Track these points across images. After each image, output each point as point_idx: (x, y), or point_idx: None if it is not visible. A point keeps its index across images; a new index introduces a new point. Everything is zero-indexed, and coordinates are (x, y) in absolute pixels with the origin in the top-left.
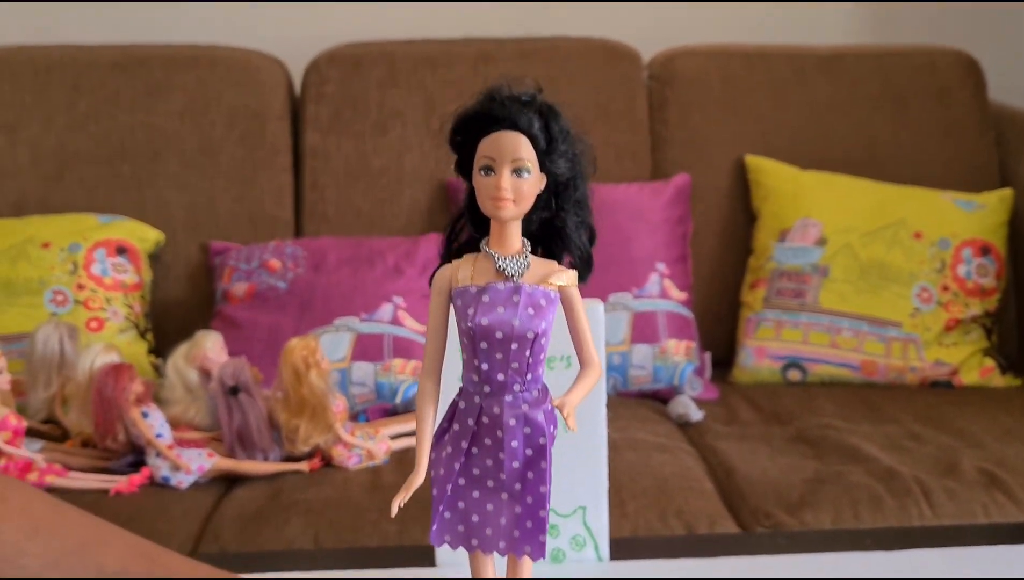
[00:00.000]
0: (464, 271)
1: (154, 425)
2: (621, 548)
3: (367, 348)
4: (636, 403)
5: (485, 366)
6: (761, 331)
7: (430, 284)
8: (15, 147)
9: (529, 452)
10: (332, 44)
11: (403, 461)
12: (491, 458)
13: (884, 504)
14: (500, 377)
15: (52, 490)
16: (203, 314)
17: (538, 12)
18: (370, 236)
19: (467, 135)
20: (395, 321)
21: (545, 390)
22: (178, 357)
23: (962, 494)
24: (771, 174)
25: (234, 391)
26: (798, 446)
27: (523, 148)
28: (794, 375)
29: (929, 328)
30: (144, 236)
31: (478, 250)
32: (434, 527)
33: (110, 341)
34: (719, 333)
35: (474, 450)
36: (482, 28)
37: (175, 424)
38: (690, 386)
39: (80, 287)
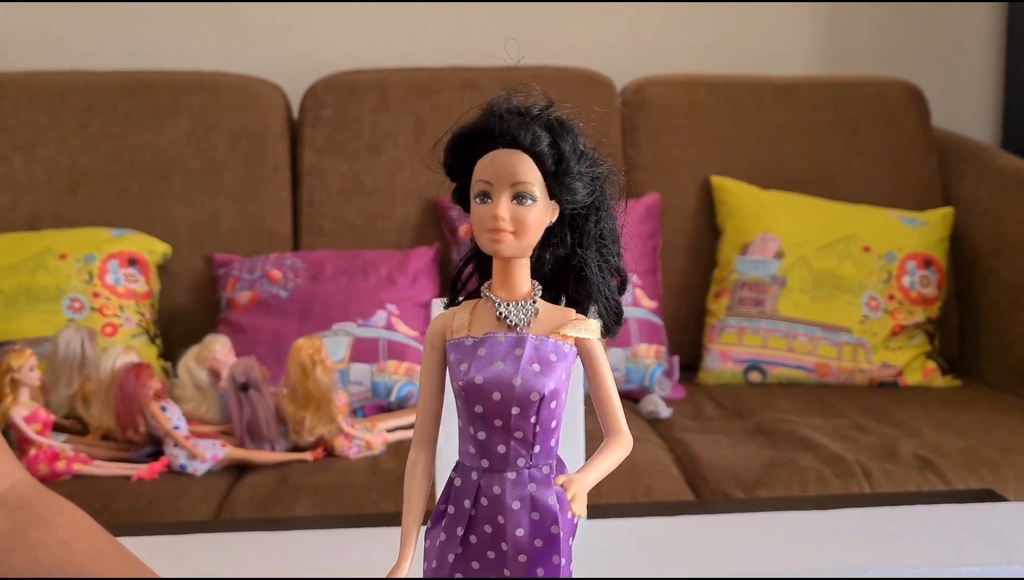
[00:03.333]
0: (460, 320)
1: (172, 418)
2: (595, 511)
3: (363, 351)
4: None
5: (482, 435)
6: (725, 337)
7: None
8: (31, 165)
9: (539, 543)
10: (328, 71)
11: (399, 451)
12: (493, 549)
13: (830, 483)
14: (501, 449)
15: (79, 477)
16: (207, 321)
17: (521, 43)
18: (363, 249)
19: (463, 156)
20: (389, 326)
21: (560, 465)
22: (189, 358)
23: (899, 475)
24: (734, 193)
25: (244, 388)
26: (756, 437)
27: (525, 169)
28: (755, 377)
29: (877, 333)
30: (153, 249)
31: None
32: None
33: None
34: (686, 339)
35: (472, 539)
36: (469, 57)
37: (187, 420)
38: (659, 386)
39: (95, 295)
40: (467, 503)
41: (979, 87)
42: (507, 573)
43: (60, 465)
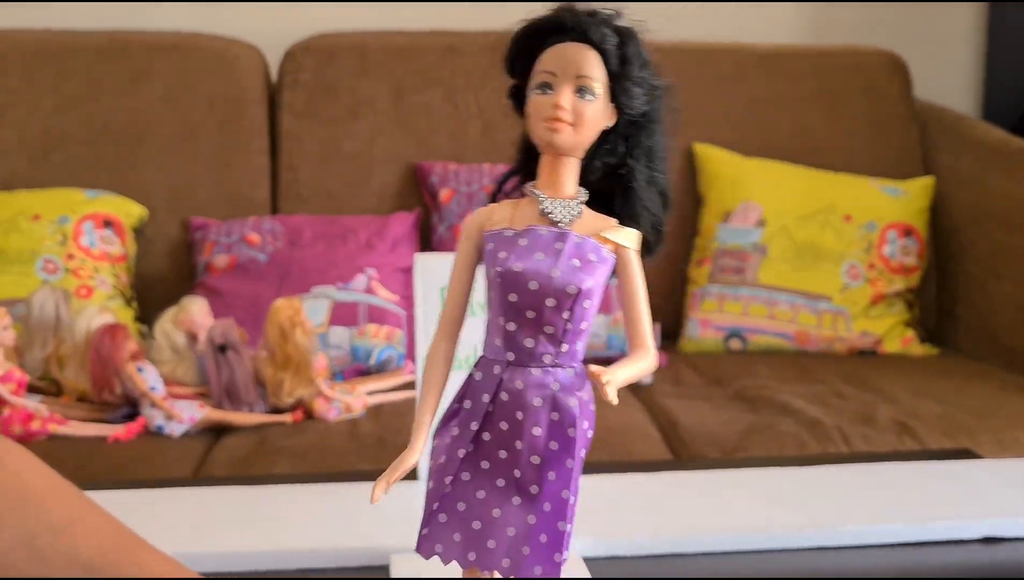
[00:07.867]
0: (502, 213)
1: (148, 379)
2: None
3: (343, 314)
4: None
5: (512, 326)
6: (705, 304)
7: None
8: (3, 129)
9: (554, 446)
10: (307, 34)
11: (379, 413)
12: (505, 448)
13: (808, 447)
14: (529, 343)
15: (54, 438)
16: (184, 286)
17: (502, 7)
18: (343, 215)
19: (526, 50)
20: (369, 290)
21: (585, 373)
22: (166, 321)
23: (876, 439)
24: (716, 161)
25: (223, 349)
26: (736, 403)
27: (591, 64)
28: (735, 344)
29: (857, 302)
30: (129, 211)
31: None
32: (423, 531)
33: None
34: (667, 306)
35: (485, 436)
36: (449, 22)
37: (164, 382)
38: None
39: (70, 257)
40: (486, 398)
41: (961, 58)
42: (517, 474)
43: (35, 425)
